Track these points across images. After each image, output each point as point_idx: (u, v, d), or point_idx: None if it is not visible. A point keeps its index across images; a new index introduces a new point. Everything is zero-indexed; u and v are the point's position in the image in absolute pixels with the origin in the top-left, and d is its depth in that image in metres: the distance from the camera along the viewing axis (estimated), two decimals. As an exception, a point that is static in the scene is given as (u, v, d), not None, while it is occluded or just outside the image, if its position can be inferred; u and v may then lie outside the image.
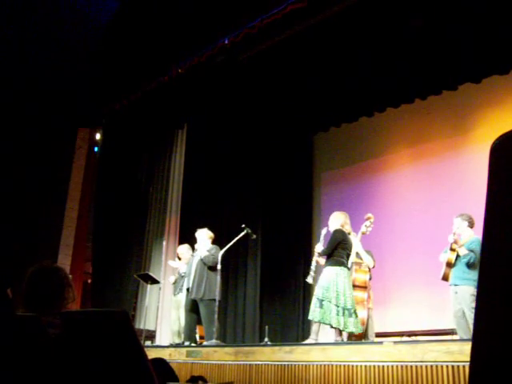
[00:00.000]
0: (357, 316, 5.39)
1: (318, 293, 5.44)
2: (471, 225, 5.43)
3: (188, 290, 6.49)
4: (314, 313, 5.39)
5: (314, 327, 5.49)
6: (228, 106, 8.37)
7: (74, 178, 8.25)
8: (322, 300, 5.37)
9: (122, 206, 9.03)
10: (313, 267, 5.92)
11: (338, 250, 5.60)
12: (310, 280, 5.96)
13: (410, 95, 7.57)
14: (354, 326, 5.31)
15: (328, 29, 6.57)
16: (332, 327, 5.43)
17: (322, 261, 5.80)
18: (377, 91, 7.42)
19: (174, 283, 7.46)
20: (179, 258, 7.44)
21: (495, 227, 0.98)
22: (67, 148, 8.12)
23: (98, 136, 9.21)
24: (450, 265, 5.37)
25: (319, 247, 5.83)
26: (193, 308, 6.44)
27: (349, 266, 5.70)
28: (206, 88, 7.99)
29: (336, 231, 5.70)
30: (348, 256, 5.73)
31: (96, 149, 9.17)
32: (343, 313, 5.33)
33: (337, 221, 5.83)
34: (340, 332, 5.42)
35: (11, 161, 7.09)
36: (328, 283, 5.44)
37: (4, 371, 1.86)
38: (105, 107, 8.75)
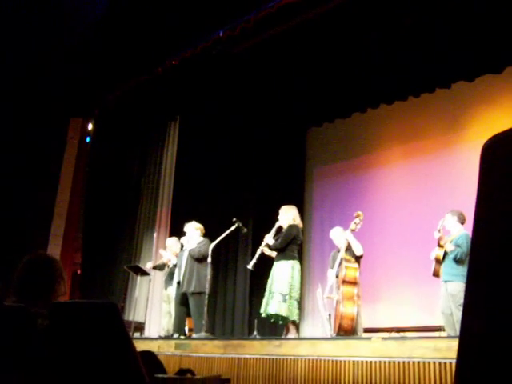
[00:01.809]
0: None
1: (280, 288, 5.57)
2: (461, 221, 5.46)
3: (179, 283, 6.49)
4: (279, 308, 5.55)
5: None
6: (221, 98, 8.35)
7: (66, 168, 8.20)
8: (274, 292, 5.57)
9: (113, 197, 9.00)
10: (257, 255, 6.02)
11: (292, 245, 5.76)
12: (250, 267, 6.09)
13: (404, 92, 7.58)
14: (297, 315, 5.74)
15: (323, 23, 6.56)
16: (285, 322, 5.62)
17: (270, 253, 5.97)
18: (370, 87, 7.43)
19: (155, 268, 7.46)
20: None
21: (485, 225, 0.99)
22: (59, 138, 8.07)
23: (90, 126, 9.15)
24: (438, 261, 5.41)
25: (270, 239, 5.91)
26: (183, 301, 6.45)
27: (337, 262, 5.76)
28: (200, 80, 7.96)
29: (292, 227, 5.86)
30: (298, 250, 6.07)
31: (88, 139, 9.11)
32: (296, 305, 5.71)
33: (288, 215, 5.99)
34: (294, 326, 5.63)
35: (2, 150, 7.03)
36: (283, 276, 5.67)
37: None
38: (97, 98, 8.70)
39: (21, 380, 1.80)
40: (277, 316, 5.67)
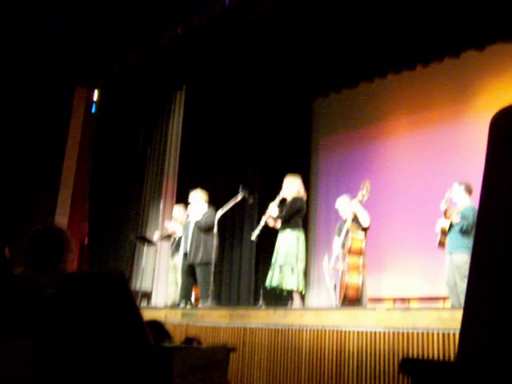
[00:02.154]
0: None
1: (286, 259, 5.61)
2: (468, 192, 5.44)
3: (186, 254, 6.51)
4: (286, 280, 5.59)
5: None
6: (227, 67, 8.26)
7: (72, 137, 8.19)
8: (282, 265, 5.60)
9: (119, 166, 9.00)
10: (260, 226, 6.03)
11: (296, 217, 5.78)
12: (254, 238, 6.15)
13: (412, 61, 7.47)
14: (303, 286, 5.79)
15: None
16: (290, 292, 5.65)
17: (274, 224, 6.00)
18: (378, 56, 7.33)
19: (161, 239, 7.49)
20: (175, 220, 7.46)
21: (492, 197, 0.98)
22: (64, 107, 8.03)
23: (95, 96, 9.10)
24: (444, 232, 5.41)
25: (273, 209, 5.92)
26: (190, 271, 6.49)
27: (344, 233, 5.77)
28: (206, 49, 7.86)
29: (296, 199, 5.87)
30: (303, 221, 6.12)
31: (93, 109, 9.07)
32: (300, 276, 5.71)
33: (292, 187, 5.98)
34: (299, 295, 5.65)
35: (8, 120, 7.01)
36: (289, 247, 5.68)
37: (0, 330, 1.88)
38: (103, 66, 8.62)
39: (29, 348, 1.84)
40: (281, 287, 5.72)
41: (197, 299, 6.65)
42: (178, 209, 7.46)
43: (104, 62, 8.51)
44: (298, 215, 5.89)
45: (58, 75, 7.65)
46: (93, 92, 9.05)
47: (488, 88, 7.32)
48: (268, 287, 5.82)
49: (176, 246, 7.12)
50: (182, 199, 7.55)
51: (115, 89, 9.07)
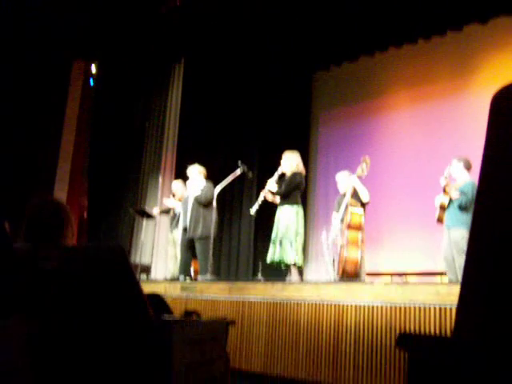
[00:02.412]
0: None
1: (285, 234, 5.64)
2: (467, 167, 5.44)
3: (185, 229, 6.54)
4: (286, 254, 5.63)
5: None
6: (226, 41, 8.17)
7: (70, 111, 8.13)
8: (282, 238, 5.62)
9: (118, 140, 8.97)
10: (259, 201, 6.06)
11: (295, 192, 5.81)
12: (252, 212, 6.18)
13: (414, 34, 7.39)
14: (302, 261, 5.88)
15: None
16: (287, 266, 5.69)
17: (273, 199, 6.02)
18: (380, 29, 7.24)
19: (161, 213, 7.51)
20: (173, 195, 7.46)
21: (491, 174, 0.98)
22: (62, 81, 7.95)
23: (93, 69, 9.01)
24: (443, 208, 5.42)
25: (272, 184, 5.93)
26: (189, 245, 6.53)
27: (343, 207, 5.78)
28: (204, 21, 7.77)
29: (295, 174, 5.87)
30: (302, 196, 6.15)
31: (91, 82, 8.99)
32: (299, 250, 5.78)
33: (292, 162, 5.99)
34: (296, 269, 5.69)
35: (6, 95, 6.95)
36: (289, 222, 5.71)
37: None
38: (100, 39, 8.51)
39: (29, 321, 1.85)
40: (283, 262, 5.75)
41: (196, 273, 6.70)
42: (176, 183, 7.47)
43: (101, 35, 8.40)
44: (297, 190, 5.91)
45: (55, 48, 7.56)
46: (90, 65, 8.95)
47: (490, 62, 7.26)
48: (269, 262, 5.86)
49: (176, 222, 7.14)
50: (181, 174, 7.55)
51: (113, 62, 8.98)
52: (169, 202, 7.32)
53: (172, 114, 9.22)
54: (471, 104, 7.15)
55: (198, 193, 6.54)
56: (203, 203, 6.44)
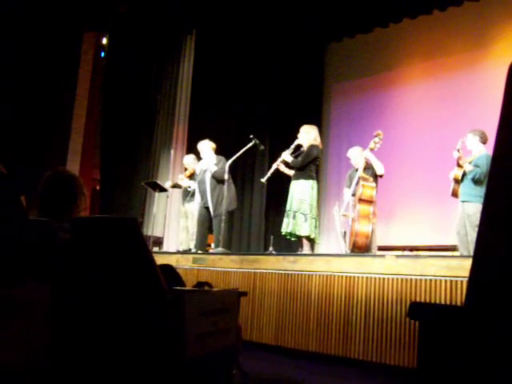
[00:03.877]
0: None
1: (301, 208, 5.65)
2: (483, 141, 5.36)
3: (207, 208, 6.57)
4: (301, 227, 5.64)
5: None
6: (239, 12, 8.06)
7: (81, 84, 8.10)
8: (296, 211, 5.64)
9: (129, 113, 8.95)
10: (272, 170, 6.06)
11: (311, 164, 5.81)
12: (264, 180, 6.21)
13: (429, 5, 7.25)
14: (316, 234, 5.85)
15: None
16: (300, 237, 5.69)
17: (285, 170, 6.02)
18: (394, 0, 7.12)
19: (173, 187, 7.52)
20: (185, 169, 7.46)
21: (506, 146, 0.97)
22: (73, 53, 7.91)
23: (104, 41, 8.95)
24: (457, 181, 5.37)
25: (287, 156, 5.91)
26: (206, 220, 6.60)
27: (355, 181, 5.76)
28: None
29: (313, 147, 5.85)
30: (317, 170, 6.13)
31: (102, 54, 8.94)
32: (315, 224, 5.79)
33: (310, 135, 5.95)
34: (308, 243, 5.71)
35: (17, 67, 6.93)
36: (303, 196, 5.71)
37: (16, 272, 1.93)
38: (111, 10, 8.43)
39: (43, 292, 1.88)
40: (294, 235, 5.77)
41: (208, 245, 6.74)
42: (188, 158, 7.46)
43: (112, 5, 8.32)
44: (313, 163, 5.87)
45: (65, 20, 7.51)
46: (101, 37, 8.89)
47: (508, 33, 7.10)
48: (283, 233, 5.87)
49: (190, 196, 7.13)
50: (193, 147, 7.54)
51: (124, 34, 8.90)
52: (184, 182, 7.28)
53: (183, 86, 9.17)
54: (488, 76, 7.02)
55: (213, 168, 6.54)
56: (219, 179, 6.46)
